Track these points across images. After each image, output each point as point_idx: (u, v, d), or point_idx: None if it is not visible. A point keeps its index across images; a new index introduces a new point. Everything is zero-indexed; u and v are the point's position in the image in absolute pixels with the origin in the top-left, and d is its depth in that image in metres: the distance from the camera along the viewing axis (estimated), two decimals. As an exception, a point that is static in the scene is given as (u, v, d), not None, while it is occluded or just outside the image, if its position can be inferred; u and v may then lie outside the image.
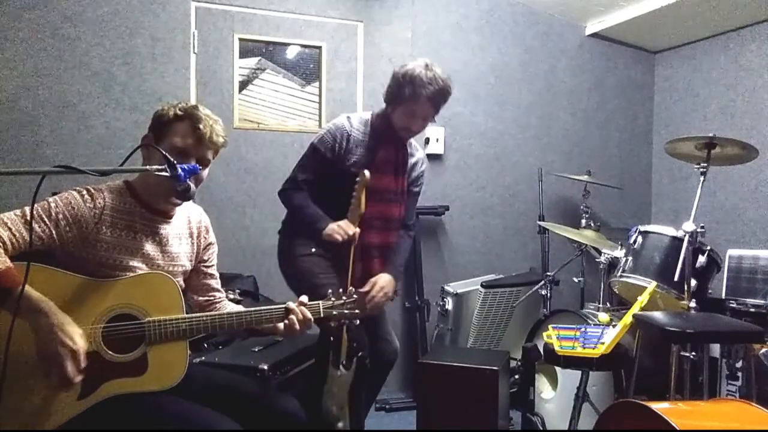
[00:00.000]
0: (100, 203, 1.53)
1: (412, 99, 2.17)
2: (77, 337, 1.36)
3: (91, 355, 1.44)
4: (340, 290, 1.77)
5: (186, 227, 1.72)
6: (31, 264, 1.35)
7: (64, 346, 1.34)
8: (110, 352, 1.48)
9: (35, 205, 1.45)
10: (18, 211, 1.45)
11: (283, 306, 1.67)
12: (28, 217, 1.44)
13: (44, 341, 1.35)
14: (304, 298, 1.71)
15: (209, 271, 1.80)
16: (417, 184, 2.43)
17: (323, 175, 2.24)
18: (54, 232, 1.47)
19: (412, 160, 2.37)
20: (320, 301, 1.74)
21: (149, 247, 1.60)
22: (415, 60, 2.24)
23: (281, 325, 1.70)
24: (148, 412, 1.48)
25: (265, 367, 2.13)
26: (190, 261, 1.73)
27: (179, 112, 1.58)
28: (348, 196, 2.09)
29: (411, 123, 2.23)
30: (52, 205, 1.48)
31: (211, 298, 1.80)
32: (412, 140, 2.39)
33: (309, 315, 1.69)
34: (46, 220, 1.46)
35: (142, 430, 1.47)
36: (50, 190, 1.71)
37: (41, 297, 1.36)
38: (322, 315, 1.72)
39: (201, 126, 1.57)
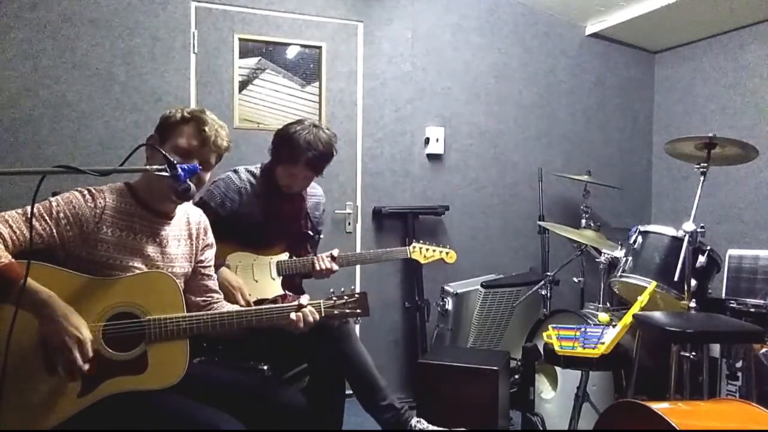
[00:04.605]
0: (100, 203, 1.55)
1: (289, 161, 2.18)
2: (82, 327, 1.39)
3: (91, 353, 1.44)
4: (342, 289, 1.79)
5: (185, 228, 1.72)
6: (33, 262, 1.36)
7: (70, 336, 1.36)
8: (110, 350, 1.48)
9: (37, 204, 1.47)
10: (20, 210, 1.47)
11: (285, 306, 1.69)
12: (29, 215, 1.44)
13: (50, 332, 1.37)
14: (305, 298, 1.72)
15: (206, 271, 1.80)
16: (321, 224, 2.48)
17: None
18: (54, 230, 1.48)
19: (311, 201, 2.40)
20: (321, 300, 1.76)
21: (149, 248, 1.61)
22: (303, 120, 2.25)
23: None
24: (148, 410, 1.49)
25: (266, 367, 2.13)
26: (190, 262, 1.73)
27: (186, 115, 1.61)
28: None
29: (291, 182, 2.24)
30: (54, 204, 1.50)
31: (209, 298, 1.80)
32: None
33: (316, 315, 1.71)
34: (47, 218, 1.47)
35: (143, 428, 1.48)
36: (50, 190, 1.72)
37: (44, 289, 1.38)
38: (323, 314, 1.74)
39: (206, 129, 1.59)
